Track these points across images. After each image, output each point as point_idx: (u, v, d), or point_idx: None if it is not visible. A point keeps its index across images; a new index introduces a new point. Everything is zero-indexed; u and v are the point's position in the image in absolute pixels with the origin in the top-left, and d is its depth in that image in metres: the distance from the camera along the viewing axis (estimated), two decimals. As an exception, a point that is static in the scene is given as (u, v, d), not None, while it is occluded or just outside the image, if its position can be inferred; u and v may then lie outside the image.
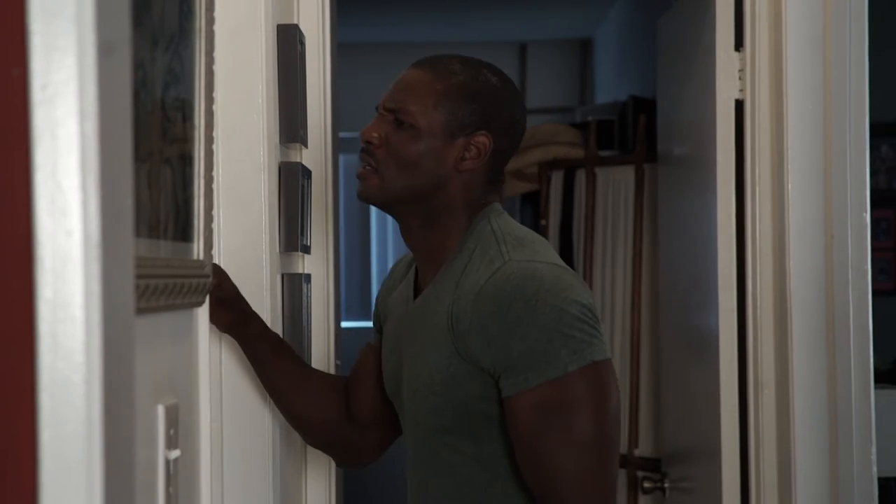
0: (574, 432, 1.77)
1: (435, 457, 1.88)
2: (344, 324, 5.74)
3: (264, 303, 1.86)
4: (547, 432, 1.77)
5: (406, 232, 1.94)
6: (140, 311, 1.27)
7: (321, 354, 2.54)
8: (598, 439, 1.77)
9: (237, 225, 1.84)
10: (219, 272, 1.85)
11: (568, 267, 1.86)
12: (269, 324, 1.88)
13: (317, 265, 2.53)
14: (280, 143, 2.11)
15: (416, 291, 1.97)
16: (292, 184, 2.15)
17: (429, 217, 1.91)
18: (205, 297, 1.68)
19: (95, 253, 0.90)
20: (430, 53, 1.96)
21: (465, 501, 1.86)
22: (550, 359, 1.75)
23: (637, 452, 4.06)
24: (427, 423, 1.87)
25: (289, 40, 2.15)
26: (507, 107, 1.91)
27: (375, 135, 1.89)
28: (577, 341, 1.76)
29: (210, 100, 1.61)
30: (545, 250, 1.86)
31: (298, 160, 2.31)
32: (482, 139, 1.89)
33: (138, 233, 1.28)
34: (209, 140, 1.60)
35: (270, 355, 2.00)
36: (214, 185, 1.65)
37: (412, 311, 1.94)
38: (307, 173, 2.29)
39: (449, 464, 1.86)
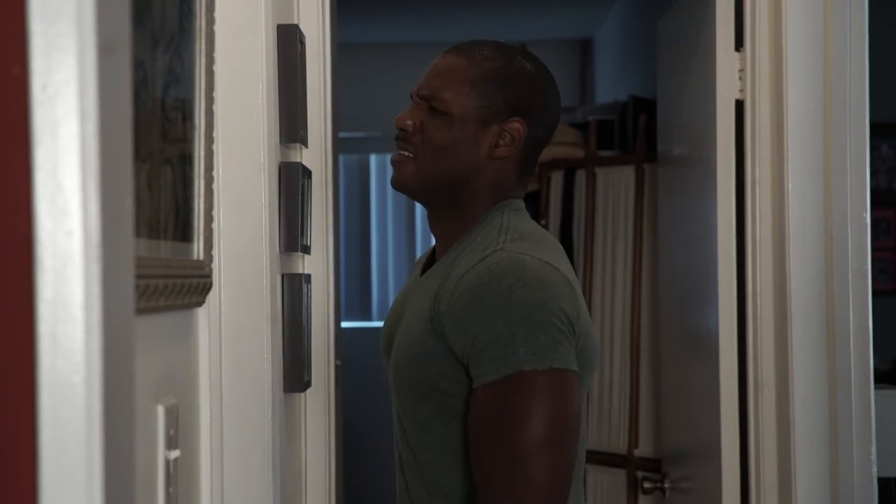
0: (515, 436, 1.70)
1: (407, 434, 1.88)
2: (344, 324, 5.75)
3: (264, 303, 1.86)
4: (491, 431, 1.72)
5: (433, 218, 1.95)
6: (140, 311, 1.27)
7: (321, 354, 2.54)
8: (541, 449, 1.69)
9: (237, 225, 1.84)
10: None
11: (565, 269, 1.81)
12: (268, 324, 1.88)
13: (317, 265, 2.53)
14: (280, 143, 2.11)
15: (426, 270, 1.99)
16: (292, 184, 2.15)
17: (458, 204, 1.90)
18: (204, 297, 1.68)
19: (95, 253, 0.90)
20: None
21: (428, 482, 1.84)
22: (508, 355, 1.71)
23: (637, 452, 4.06)
24: (401, 395, 1.88)
25: (289, 40, 2.15)
26: (541, 93, 1.91)
27: (410, 122, 1.89)
28: (539, 344, 1.71)
29: (210, 100, 1.61)
30: (549, 250, 1.83)
31: (298, 160, 2.31)
32: (516, 125, 1.88)
33: (138, 233, 1.28)
34: (209, 140, 1.60)
35: None
36: (214, 185, 1.65)
37: (416, 287, 1.95)
38: (307, 173, 2.29)
39: (418, 443, 1.85)
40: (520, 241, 1.81)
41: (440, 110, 1.87)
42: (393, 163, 1.92)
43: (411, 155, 1.89)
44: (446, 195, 1.90)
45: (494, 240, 1.82)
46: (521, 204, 1.94)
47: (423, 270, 2.00)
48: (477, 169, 1.88)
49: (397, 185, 1.92)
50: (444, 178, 1.88)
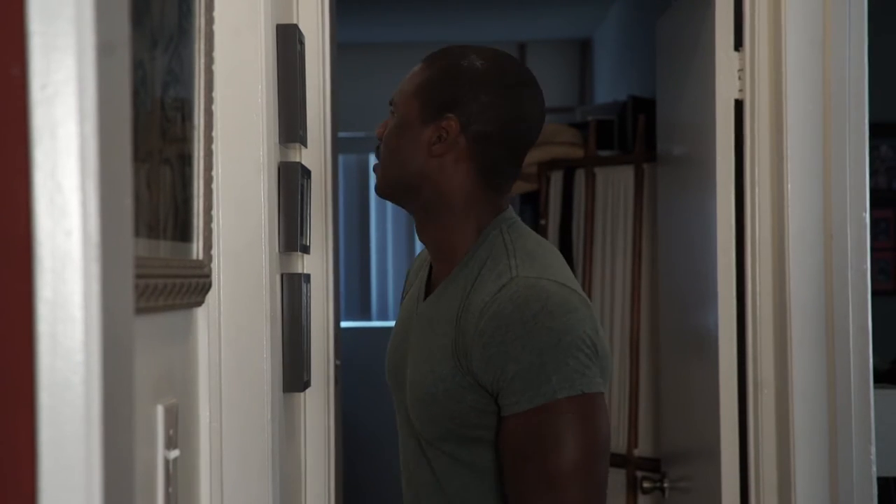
0: (552, 463, 1.72)
1: (431, 463, 1.87)
2: (343, 324, 5.75)
3: (263, 303, 1.86)
4: (527, 459, 1.74)
5: (417, 228, 1.96)
6: (140, 311, 1.27)
7: (320, 354, 2.54)
8: (578, 473, 1.72)
9: (236, 225, 1.84)
10: None
11: (577, 287, 1.82)
12: (268, 323, 1.88)
13: (316, 265, 2.53)
14: (279, 143, 2.11)
15: (429, 288, 1.97)
16: (292, 184, 2.15)
17: (428, 210, 1.90)
18: (204, 296, 1.68)
19: (95, 253, 0.90)
20: (429, 53, 1.95)
21: None
22: (541, 384, 1.72)
23: (636, 452, 4.06)
24: (427, 431, 1.86)
25: (288, 40, 2.15)
26: (482, 88, 1.85)
27: (380, 131, 1.93)
28: (569, 369, 1.72)
29: (209, 100, 1.61)
30: (556, 265, 1.83)
31: (298, 160, 2.31)
32: (450, 123, 1.85)
33: (138, 233, 1.28)
34: (208, 140, 1.60)
35: None
36: (214, 185, 1.65)
37: (421, 311, 1.93)
38: (307, 173, 2.29)
39: (446, 472, 1.85)
40: (530, 262, 1.80)
41: (397, 115, 1.90)
42: (373, 171, 1.97)
43: (379, 162, 1.94)
44: (411, 200, 1.91)
45: (507, 265, 1.80)
46: (512, 213, 1.92)
47: (426, 289, 1.98)
48: (423, 171, 1.87)
49: (376, 192, 1.97)
50: (399, 183, 1.90)
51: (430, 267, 1.99)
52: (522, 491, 1.75)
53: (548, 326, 1.73)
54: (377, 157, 1.95)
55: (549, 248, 1.88)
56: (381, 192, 1.95)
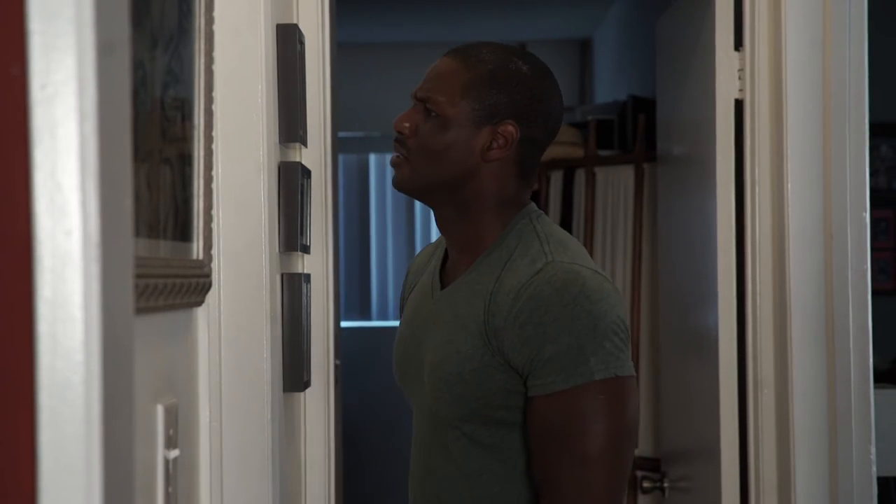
0: (584, 444, 1.77)
1: (448, 446, 1.88)
2: (343, 324, 5.75)
3: (263, 303, 1.86)
4: (558, 439, 1.78)
5: (440, 222, 1.96)
6: (140, 311, 1.27)
7: (320, 354, 2.54)
8: (608, 455, 1.77)
9: (236, 225, 1.84)
10: None
11: (607, 275, 1.86)
12: (268, 323, 1.88)
13: (316, 265, 2.53)
14: (279, 142, 2.11)
15: (443, 280, 1.98)
16: (292, 183, 2.15)
17: (461, 207, 1.91)
18: (204, 296, 1.68)
19: (95, 253, 0.90)
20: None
21: (475, 492, 1.86)
22: (578, 365, 1.76)
23: (636, 451, 4.06)
24: (448, 412, 1.87)
25: (288, 40, 2.15)
26: (535, 95, 1.90)
27: (407, 124, 1.91)
28: (605, 352, 1.77)
29: (209, 99, 1.61)
30: (585, 254, 1.87)
31: (298, 160, 2.31)
32: (509, 128, 1.88)
33: (138, 232, 1.28)
34: (209, 140, 1.60)
35: None
36: (214, 185, 1.65)
37: (440, 298, 1.94)
38: (307, 173, 2.29)
39: (464, 454, 1.87)
40: (563, 249, 1.85)
41: (434, 113, 1.89)
42: (392, 164, 1.95)
43: (406, 157, 1.92)
44: (446, 197, 1.92)
45: (540, 251, 1.84)
46: (536, 207, 1.96)
47: (440, 280, 1.98)
48: (471, 172, 1.89)
49: (396, 186, 1.96)
50: (438, 181, 1.90)
51: (444, 260, 2.00)
52: (551, 470, 1.79)
53: (586, 310, 1.77)
54: (400, 150, 1.92)
55: (575, 240, 1.92)
56: (408, 188, 1.93)
